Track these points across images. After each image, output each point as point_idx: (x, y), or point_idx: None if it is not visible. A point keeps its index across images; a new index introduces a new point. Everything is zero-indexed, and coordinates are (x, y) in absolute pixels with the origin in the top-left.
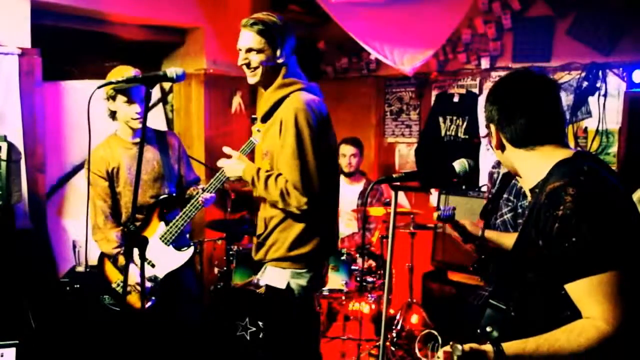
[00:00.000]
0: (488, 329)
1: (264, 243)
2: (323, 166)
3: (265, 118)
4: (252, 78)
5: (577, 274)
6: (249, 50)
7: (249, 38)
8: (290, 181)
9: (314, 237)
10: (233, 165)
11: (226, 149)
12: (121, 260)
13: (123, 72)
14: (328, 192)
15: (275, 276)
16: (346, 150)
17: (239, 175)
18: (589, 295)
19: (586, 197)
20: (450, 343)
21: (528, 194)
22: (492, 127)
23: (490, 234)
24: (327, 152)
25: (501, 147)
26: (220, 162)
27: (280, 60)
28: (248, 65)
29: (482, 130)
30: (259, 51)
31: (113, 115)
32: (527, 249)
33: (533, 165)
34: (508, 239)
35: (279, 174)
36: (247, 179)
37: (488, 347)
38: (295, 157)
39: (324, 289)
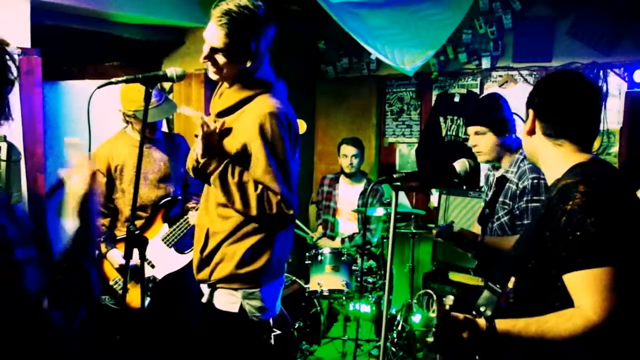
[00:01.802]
0: (482, 308)
1: (209, 261)
2: (296, 174)
3: (223, 114)
4: (214, 75)
5: (576, 266)
6: (214, 49)
7: (214, 35)
8: (270, 188)
9: (265, 251)
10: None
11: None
12: (102, 248)
13: (137, 92)
14: None
15: (225, 299)
16: (347, 150)
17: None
18: (584, 286)
19: (595, 196)
20: (443, 298)
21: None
22: (531, 112)
23: (490, 239)
24: (295, 157)
25: (531, 133)
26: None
27: (251, 67)
28: (212, 63)
29: None
30: (225, 53)
31: (126, 120)
32: (534, 240)
33: (554, 160)
34: (507, 242)
35: (256, 182)
36: (214, 163)
37: (481, 321)
38: (275, 166)
39: (324, 289)
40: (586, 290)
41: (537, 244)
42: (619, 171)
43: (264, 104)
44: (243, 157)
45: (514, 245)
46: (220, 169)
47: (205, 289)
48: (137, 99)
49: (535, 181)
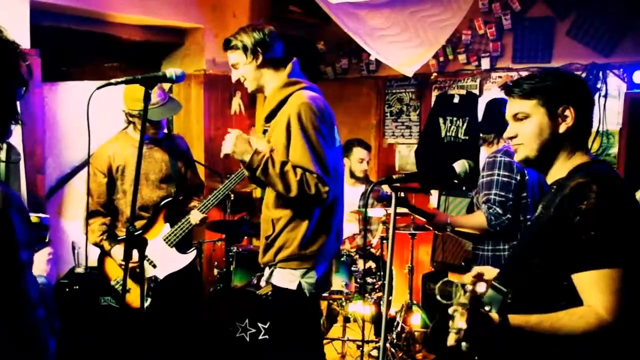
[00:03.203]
0: (487, 307)
1: (273, 244)
2: (333, 159)
3: (270, 117)
4: (249, 88)
5: (588, 265)
6: (232, 66)
7: (229, 58)
8: (308, 171)
9: (322, 234)
10: (241, 143)
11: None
12: (106, 245)
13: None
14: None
15: (285, 277)
16: (363, 154)
17: (248, 155)
18: (595, 286)
19: (608, 196)
20: (471, 285)
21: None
22: (572, 109)
23: (453, 218)
24: (335, 146)
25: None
26: (229, 136)
27: (257, 62)
28: (241, 79)
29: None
30: (237, 65)
31: (129, 120)
32: (541, 238)
33: (559, 161)
34: (463, 219)
35: (295, 166)
36: (255, 162)
37: (494, 315)
38: (308, 149)
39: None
40: (599, 290)
41: (544, 243)
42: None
43: (299, 97)
44: (286, 148)
45: (517, 243)
46: (261, 165)
47: (266, 270)
48: (142, 98)
49: (491, 159)
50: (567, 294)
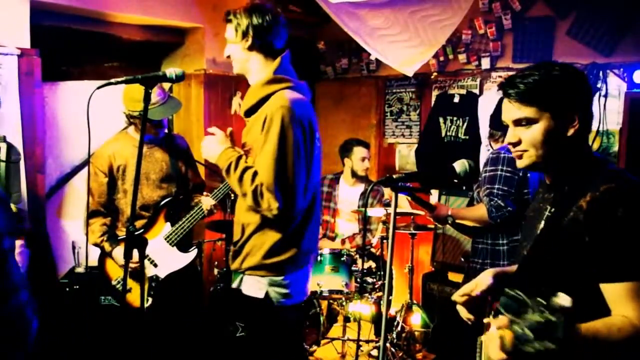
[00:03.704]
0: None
1: (241, 251)
2: (304, 172)
3: (250, 113)
4: (234, 68)
5: (620, 276)
6: (226, 39)
7: (227, 31)
8: (264, 183)
9: (291, 245)
10: (210, 145)
11: (211, 129)
12: (106, 247)
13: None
14: (308, 199)
15: (253, 285)
16: (364, 152)
17: (213, 157)
18: (629, 298)
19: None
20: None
21: None
22: (577, 113)
23: (454, 210)
24: (311, 156)
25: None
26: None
27: (246, 44)
28: (230, 57)
29: (483, 131)
30: (230, 42)
31: (130, 122)
32: (559, 240)
33: (567, 162)
34: (465, 211)
35: (256, 173)
36: (222, 163)
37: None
38: (273, 159)
39: (323, 289)
40: (632, 302)
41: (567, 247)
42: None
43: (279, 98)
44: (254, 150)
45: (533, 247)
46: (225, 167)
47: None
48: (142, 98)
49: (494, 155)
50: (599, 304)
